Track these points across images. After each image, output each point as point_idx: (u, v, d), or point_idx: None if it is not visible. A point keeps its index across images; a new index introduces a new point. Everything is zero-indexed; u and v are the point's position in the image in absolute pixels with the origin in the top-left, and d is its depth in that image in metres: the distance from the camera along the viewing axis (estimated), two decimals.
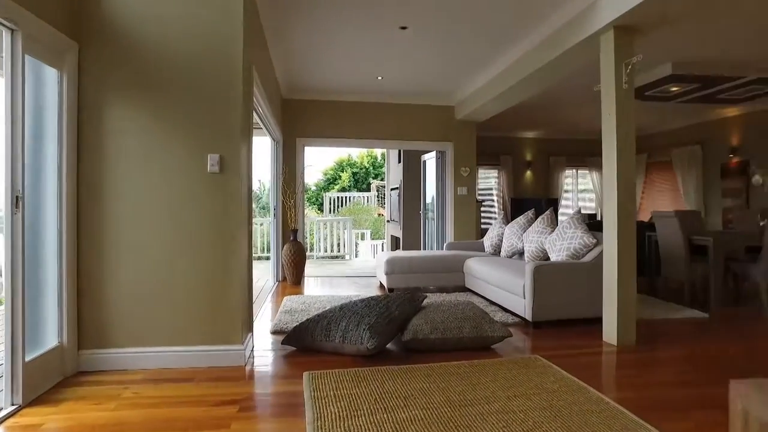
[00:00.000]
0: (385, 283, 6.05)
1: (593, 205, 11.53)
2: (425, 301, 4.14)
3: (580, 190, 11.66)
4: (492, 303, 5.22)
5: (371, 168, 20.58)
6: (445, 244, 7.15)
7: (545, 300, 4.22)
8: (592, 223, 5.80)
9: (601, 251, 4.29)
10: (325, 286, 6.65)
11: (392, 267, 5.94)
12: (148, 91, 3.15)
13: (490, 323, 3.61)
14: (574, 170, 11.43)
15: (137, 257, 3.13)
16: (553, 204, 10.68)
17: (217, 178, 3.21)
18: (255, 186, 21.75)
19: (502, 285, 4.80)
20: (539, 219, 5.36)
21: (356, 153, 20.87)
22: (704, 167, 8.77)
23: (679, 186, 9.37)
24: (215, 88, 3.21)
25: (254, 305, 5.24)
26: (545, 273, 4.24)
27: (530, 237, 5.32)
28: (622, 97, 3.69)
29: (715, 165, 8.48)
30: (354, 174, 20.14)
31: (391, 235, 10.13)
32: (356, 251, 10.61)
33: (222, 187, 3.22)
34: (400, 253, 6.29)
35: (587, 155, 11.14)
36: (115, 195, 3.12)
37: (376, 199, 17.99)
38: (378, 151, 21.10)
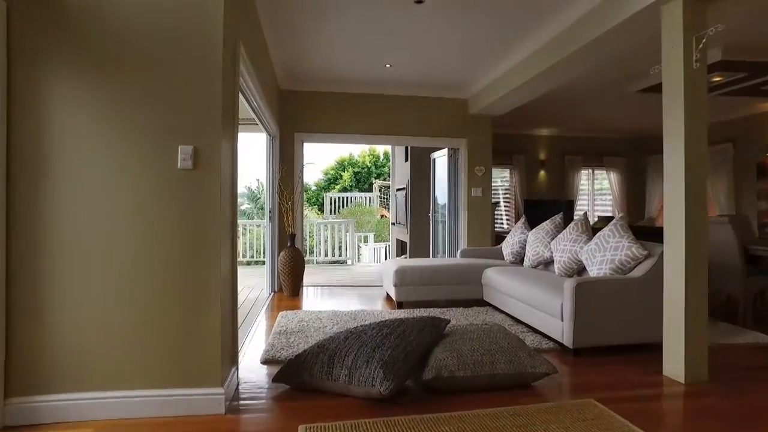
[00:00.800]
0: (393, 296, 5.37)
1: (610, 207, 10.86)
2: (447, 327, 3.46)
3: (597, 191, 11.01)
4: (518, 322, 4.54)
5: (373, 167, 19.91)
6: (458, 251, 6.48)
7: (588, 323, 3.54)
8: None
9: (654, 265, 3.62)
10: (325, 298, 5.97)
11: (402, 278, 5.26)
12: (100, 67, 2.47)
13: (529, 356, 2.93)
14: (591, 170, 10.76)
15: (85, 278, 2.45)
16: (569, 206, 10.02)
17: (190, 176, 2.53)
18: (253, 185, 21.06)
19: (532, 302, 4.12)
20: (571, 225, 4.68)
21: (358, 152, 20.21)
22: (736, 167, 8.09)
23: (707, 188, 8.67)
24: (188, 65, 2.54)
25: (245, 322, 4.58)
26: (589, 291, 3.56)
27: (561, 245, 4.64)
28: (692, 78, 3.01)
29: (749, 165, 7.80)
30: (356, 173, 19.47)
31: (397, 239, 9.45)
32: (358, 255, 9.94)
33: (196, 187, 2.54)
34: (409, 262, 5.61)
35: (605, 154, 10.48)
36: (56, 203, 2.44)
37: (379, 199, 17.33)
38: (380, 150, 20.44)
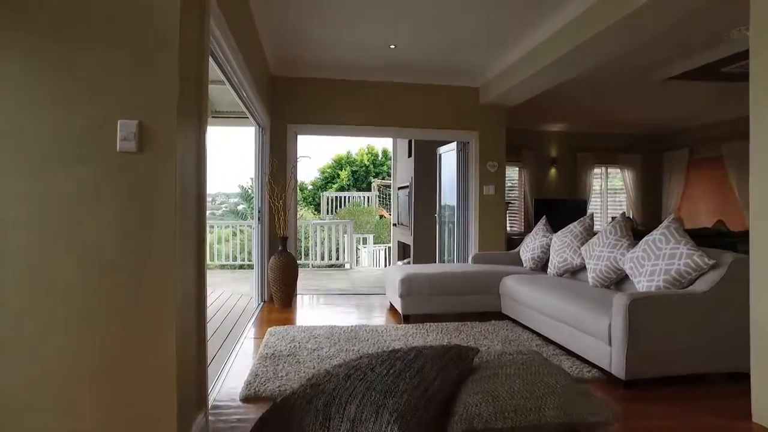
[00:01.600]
0: (399, 309, 4.70)
1: (623, 207, 10.23)
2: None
3: (610, 190, 10.37)
4: (547, 341, 3.88)
5: (372, 166, 19.26)
6: (470, 256, 5.83)
7: (644, 348, 2.88)
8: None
9: (723, 277, 2.96)
10: (321, 310, 5.30)
11: (408, 288, 4.60)
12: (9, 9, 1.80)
13: (584, 398, 2.26)
14: (604, 168, 10.13)
15: None
16: (582, 206, 9.38)
17: (134, 162, 1.86)
18: (247, 184, 20.35)
19: (567, 319, 3.46)
20: (609, 228, 4.02)
21: (356, 150, 19.55)
22: None
23: (733, 187, 8.05)
24: (132, 11, 1.86)
25: (227, 341, 3.90)
26: (646, 309, 2.89)
27: (596, 251, 3.99)
28: None
29: None
30: (353, 172, 18.79)
31: (399, 242, 8.78)
32: (357, 259, 9.27)
33: (143, 176, 1.87)
34: (416, 269, 4.94)
35: (619, 151, 9.84)
36: None
37: (378, 199, 16.68)
38: (379, 148, 19.80)
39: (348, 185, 18.33)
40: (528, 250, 5.17)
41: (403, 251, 8.70)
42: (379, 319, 4.88)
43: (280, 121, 5.78)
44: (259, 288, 5.48)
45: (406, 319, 4.66)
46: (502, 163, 6.39)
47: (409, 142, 7.86)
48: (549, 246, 4.95)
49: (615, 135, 9.73)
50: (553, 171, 9.60)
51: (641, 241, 3.51)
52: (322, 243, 8.92)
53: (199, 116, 2.21)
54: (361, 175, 18.99)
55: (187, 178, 2.05)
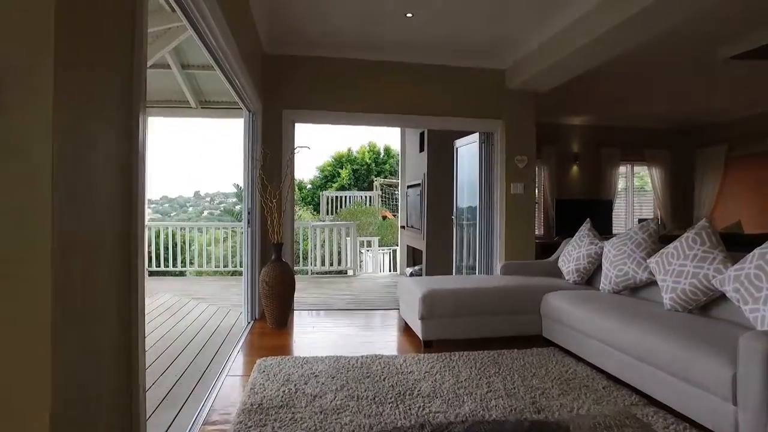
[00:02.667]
0: (419, 333, 3.83)
1: (650, 209, 9.41)
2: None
3: (637, 190, 9.53)
4: (615, 381, 3.00)
5: (374, 164, 18.38)
6: (497, 266, 4.98)
7: None
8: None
9: None
10: (323, 332, 4.42)
11: (431, 308, 3.73)
12: None
13: None
14: (629, 166, 9.28)
15: None
16: (608, 207, 8.53)
17: None
18: (241, 182, 19.47)
19: (656, 360, 2.59)
20: (689, 236, 3.15)
21: (357, 147, 18.66)
22: None
23: None
24: None
25: (205, 376, 2.98)
26: None
27: (674, 266, 3.12)
28: None
29: None
30: (354, 171, 17.91)
31: (408, 246, 7.90)
32: (360, 264, 8.39)
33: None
34: (438, 282, 4.07)
35: (646, 146, 8.98)
36: None
37: (381, 199, 15.81)
38: (381, 145, 18.93)
39: (349, 184, 17.45)
40: (570, 260, 4.31)
41: (413, 257, 7.82)
42: (393, 344, 4.00)
43: (274, 106, 4.91)
44: (248, 303, 4.60)
45: (428, 345, 3.79)
46: (532, 157, 5.53)
47: (421, 135, 6.99)
48: (599, 255, 4.09)
49: (642, 129, 8.88)
50: (575, 168, 8.74)
51: (752, 255, 2.64)
52: (322, 246, 8.05)
53: (128, 97, 1.34)
54: (363, 173, 18.11)
55: (95, 172, 1.18)
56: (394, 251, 11.76)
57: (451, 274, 6.24)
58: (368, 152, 18.57)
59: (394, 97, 5.24)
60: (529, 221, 5.48)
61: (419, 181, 6.93)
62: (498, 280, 4.23)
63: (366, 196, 15.88)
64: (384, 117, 5.32)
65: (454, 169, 6.21)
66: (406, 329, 4.36)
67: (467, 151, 6.04)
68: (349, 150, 18.56)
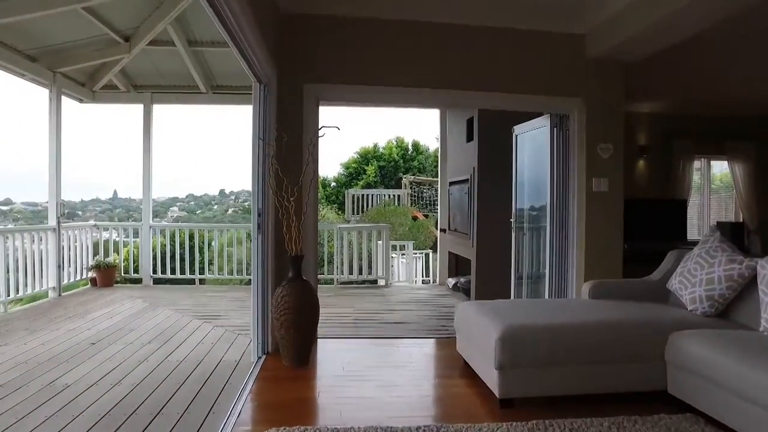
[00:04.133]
0: (493, 387, 2.71)
1: (726, 210, 8.09)
2: None
3: (714, 188, 8.20)
4: None
5: (401, 161, 17.27)
6: (576, 283, 3.84)
7: None
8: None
9: None
10: (358, 380, 3.30)
11: (514, 354, 2.60)
12: None
13: None
14: (704, 160, 7.95)
15: None
16: (681, 208, 7.25)
17: None
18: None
19: None
20: None
21: (383, 142, 17.59)
22: None
23: None
24: None
25: None
26: None
27: None
28: None
29: None
30: (381, 167, 16.82)
31: (450, 253, 6.76)
32: (391, 272, 7.28)
33: None
34: (519, 316, 2.92)
35: (727, 138, 7.63)
36: None
37: (410, 198, 14.69)
38: (409, 140, 17.82)
39: (375, 182, 16.37)
40: (696, 283, 3.12)
41: (456, 265, 6.69)
42: (454, 400, 2.89)
43: (293, 78, 3.83)
44: (259, 333, 3.53)
45: (506, 404, 2.66)
46: (619, 145, 4.35)
47: (469, 123, 5.85)
48: (745, 278, 2.90)
49: (722, 118, 7.54)
50: (641, 163, 7.47)
51: None
52: (349, 247, 6.96)
53: None
54: (390, 170, 17.01)
55: None
56: (427, 255, 10.65)
57: (509, 288, 5.09)
58: (396, 147, 17.47)
59: (440, 68, 4.12)
60: (615, 226, 4.30)
61: (466, 177, 5.80)
62: (596, 310, 3.07)
63: (394, 195, 14.80)
64: (428, 94, 4.19)
65: (513, 162, 5.05)
66: (468, 374, 3.23)
67: (531, 139, 4.89)
68: (376, 145, 17.49)
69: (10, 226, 9.78)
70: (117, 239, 7.13)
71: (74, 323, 4.66)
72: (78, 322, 4.72)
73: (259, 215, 3.39)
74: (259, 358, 3.52)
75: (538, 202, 4.76)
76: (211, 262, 7.61)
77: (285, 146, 3.44)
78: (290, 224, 3.24)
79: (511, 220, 5.08)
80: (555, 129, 4.43)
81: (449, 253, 6.80)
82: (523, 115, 4.97)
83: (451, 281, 6.44)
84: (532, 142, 4.85)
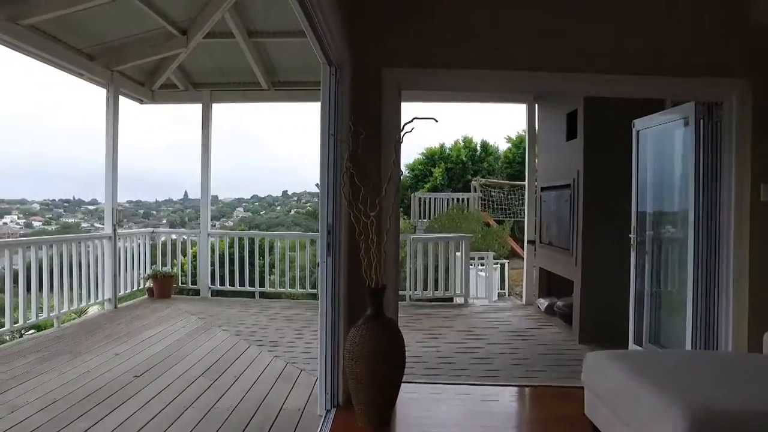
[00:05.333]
0: None
1: None
2: None
3: None
4: None
5: (470, 162, 16.30)
6: (732, 329, 2.85)
7: None
8: None
9: None
10: None
11: None
12: None
13: None
14: None
15: None
16: None
17: None
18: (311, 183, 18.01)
19: None
20: None
21: (450, 142, 16.69)
22: None
23: None
24: None
25: None
26: None
27: None
28: None
29: None
30: (448, 170, 15.91)
31: (541, 270, 5.81)
32: (468, 288, 6.39)
33: None
34: (705, 389, 2.00)
35: None
36: None
37: (480, 202, 13.72)
38: (477, 140, 16.81)
39: (442, 185, 15.50)
40: None
41: (548, 284, 5.74)
42: None
43: (369, 61, 3.08)
44: (328, 382, 2.80)
45: None
46: None
47: (570, 117, 4.90)
48: None
49: None
50: None
51: None
52: (425, 254, 6.16)
53: None
54: (457, 172, 16.07)
55: None
56: (503, 266, 9.68)
57: (624, 319, 4.11)
58: (464, 148, 16.51)
59: (549, 45, 3.23)
60: None
61: (566, 182, 4.86)
62: None
63: (462, 198, 13.89)
64: (528, 78, 3.32)
65: (634, 164, 4.06)
66: None
67: (658, 135, 3.91)
68: (442, 146, 16.60)
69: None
70: (175, 238, 6.72)
71: (122, 346, 4.17)
72: (126, 344, 4.23)
73: (328, 233, 2.65)
74: (328, 411, 2.80)
75: (668, 216, 3.77)
76: (272, 266, 7.08)
77: (361, 146, 2.70)
78: (369, 246, 2.48)
79: (631, 235, 4.09)
80: (701, 121, 3.43)
81: (540, 269, 5.86)
82: (644, 105, 4.01)
83: (543, 302, 5.50)
84: (661, 139, 3.87)
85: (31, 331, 5.15)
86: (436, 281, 6.24)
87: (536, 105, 6.08)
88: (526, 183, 6.46)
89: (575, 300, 4.68)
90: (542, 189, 5.71)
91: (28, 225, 27.11)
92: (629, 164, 4.15)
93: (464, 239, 6.25)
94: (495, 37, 3.23)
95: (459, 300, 6.39)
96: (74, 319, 5.46)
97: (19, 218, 27.65)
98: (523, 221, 6.71)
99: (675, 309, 3.69)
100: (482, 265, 7.39)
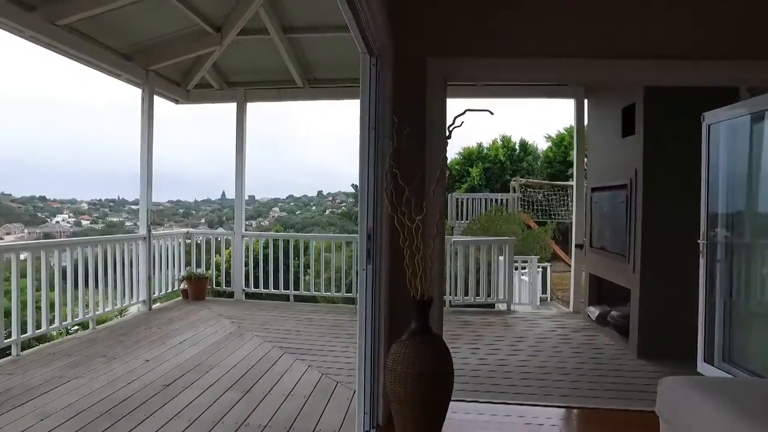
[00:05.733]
0: None
1: None
2: None
3: None
4: None
5: (508, 162, 15.83)
6: None
7: None
8: None
9: None
10: None
11: None
12: None
13: None
14: None
15: None
16: None
17: None
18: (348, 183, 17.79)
19: None
20: None
21: (488, 141, 16.26)
22: None
23: None
24: None
25: None
26: None
27: None
28: None
29: None
30: (486, 169, 15.48)
31: (590, 275, 5.42)
32: (511, 293, 6.04)
33: None
34: None
35: None
36: None
37: (520, 203, 13.26)
38: (516, 139, 16.34)
39: (480, 185, 15.08)
40: None
41: (598, 291, 5.34)
42: None
43: (412, 50, 2.82)
44: (367, 399, 2.55)
45: None
46: None
47: (627, 111, 4.51)
48: None
49: None
50: None
51: None
52: (465, 258, 5.86)
53: None
54: (495, 172, 15.62)
55: None
56: (546, 270, 9.27)
57: (691, 333, 3.70)
58: (502, 148, 16.04)
59: (611, 26, 2.89)
60: None
61: (622, 182, 4.47)
62: None
63: (500, 199, 13.45)
64: (588, 66, 2.99)
65: (705, 162, 3.66)
66: None
67: (736, 128, 3.50)
68: (480, 145, 16.18)
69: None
70: (210, 239, 6.62)
71: (153, 351, 4.05)
72: (158, 349, 4.11)
73: (368, 237, 2.40)
74: None
75: (745, 221, 3.36)
76: (307, 267, 6.91)
77: (405, 143, 2.44)
78: (414, 253, 2.22)
79: (700, 240, 3.69)
80: None
81: (589, 275, 5.46)
82: (711, 96, 3.63)
83: (594, 311, 5.11)
84: (739, 133, 3.46)
85: (75, 328, 5.20)
86: (477, 286, 5.92)
87: (585, 100, 5.69)
88: (573, 183, 6.06)
89: (632, 310, 4.29)
90: (593, 189, 5.32)
91: (78, 224, 28.20)
92: (695, 161, 3.75)
93: (507, 242, 5.91)
94: (549, 23, 2.92)
95: (501, 306, 6.05)
96: (110, 320, 5.41)
97: (69, 217, 28.81)
98: (566, 223, 6.31)
99: (758, 324, 3.28)
100: (524, 269, 7.01)
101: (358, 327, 2.49)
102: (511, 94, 5.93)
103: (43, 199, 29.18)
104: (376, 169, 2.42)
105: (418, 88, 2.81)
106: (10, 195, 29.72)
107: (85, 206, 29.66)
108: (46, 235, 26.18)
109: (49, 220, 28.00)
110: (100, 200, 30.27)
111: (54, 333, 4.95)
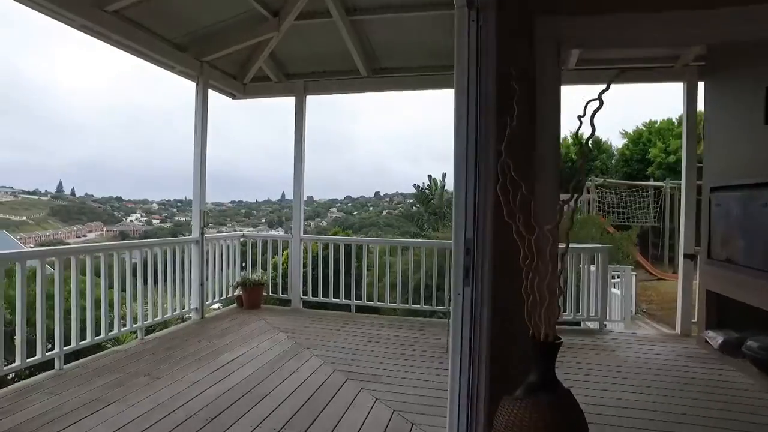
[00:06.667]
0: None
1: None
2: None
3: None
4: None
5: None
6: None
7: None
8: None
9: None
10: None
11: None
12: None
13: None
14: None
15: None
16: None
17: None
18: (425, 181, 17.12)
19: None
20: None
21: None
22: None
23: None
24: None
25: None
26: None
27: None
28: None
29: None
30: None
31: (709, 292, 4.50)
32: (602, 310, 5.19)
33: None
34: None
35: None
36: None
37: (596, 205, 12.20)
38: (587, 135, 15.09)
39: None
40: None
41: (718, 312, 4.43)
42: None
43: (520, 5, 2.16)
44: None
45: None
46: None
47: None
48: None
49: None
50: None
51: None
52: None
53: None
54: (565, 171, 14.51)
55: None
56: (634, 278, 8.25)
57: None
58: (572, 146, 14.91)
59: None
60: None
61: (765, 179, 3.58)
62: None
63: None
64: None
65: None
66: None
67: None
68: None
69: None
70: (267, 239, 6.20)
71: (202, 371, 3.59)
72: (206, 368, 3.65)
73: (467, 252, 1.76)
74: None
75: None
76: (369, 267, 6.35)
77: (517, 94, 1.78)
78: (536, 275, 1.56)
79: None
80: None
81: (707, 291, 4.55)
82: None
83: (716, 337, 4.21)
84: None
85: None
86: (564, 301, 5.13)
87: (701, 83, 4.78)
88: (683, 182, 5.12)
89: None
90: (713, 189, 4.41)
91: (149, 222, 29.39)
92: None
93: (600, 251, 5.07)
94: None
95: (590, 324, 5.23)
96: (159, 329, 5.06)
97: (141, 216, 30.08)
98: (644, 227, 5.36)
99: None
100: (617, 281, 6.11)
101: (450, 371, 1.85)
102: (599, 80, 5.09)
103: (119, 199, 30.68)
104: (477, 159, 1.77)
105: (524, 55, 2.14)
106: (92, 195, 31.43)
107: (155, 206, 30.85)
108: (122, 233, 27.38)
109: (124, 219, 29.35)
110: (169, 200, 31.43)
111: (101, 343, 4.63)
